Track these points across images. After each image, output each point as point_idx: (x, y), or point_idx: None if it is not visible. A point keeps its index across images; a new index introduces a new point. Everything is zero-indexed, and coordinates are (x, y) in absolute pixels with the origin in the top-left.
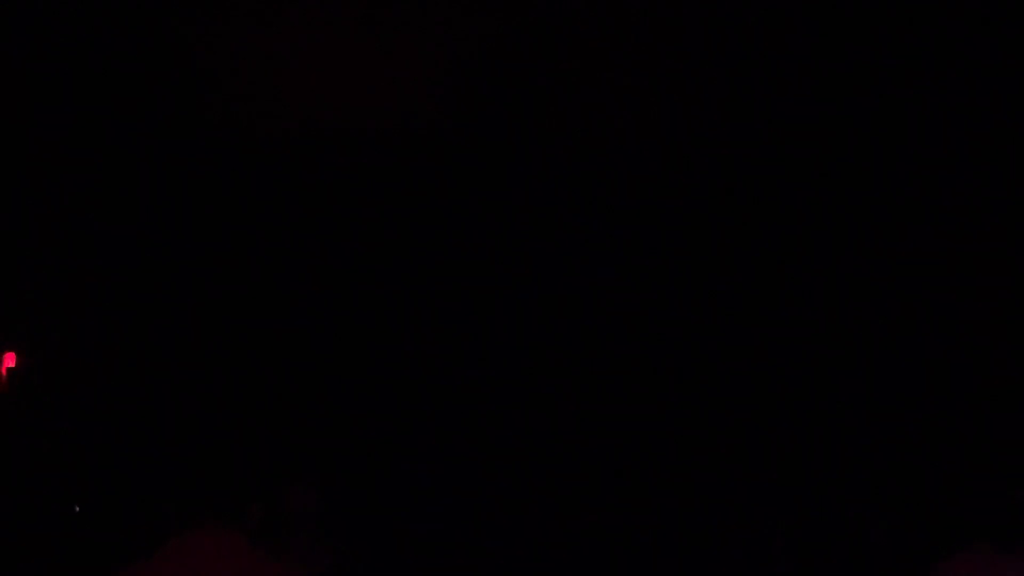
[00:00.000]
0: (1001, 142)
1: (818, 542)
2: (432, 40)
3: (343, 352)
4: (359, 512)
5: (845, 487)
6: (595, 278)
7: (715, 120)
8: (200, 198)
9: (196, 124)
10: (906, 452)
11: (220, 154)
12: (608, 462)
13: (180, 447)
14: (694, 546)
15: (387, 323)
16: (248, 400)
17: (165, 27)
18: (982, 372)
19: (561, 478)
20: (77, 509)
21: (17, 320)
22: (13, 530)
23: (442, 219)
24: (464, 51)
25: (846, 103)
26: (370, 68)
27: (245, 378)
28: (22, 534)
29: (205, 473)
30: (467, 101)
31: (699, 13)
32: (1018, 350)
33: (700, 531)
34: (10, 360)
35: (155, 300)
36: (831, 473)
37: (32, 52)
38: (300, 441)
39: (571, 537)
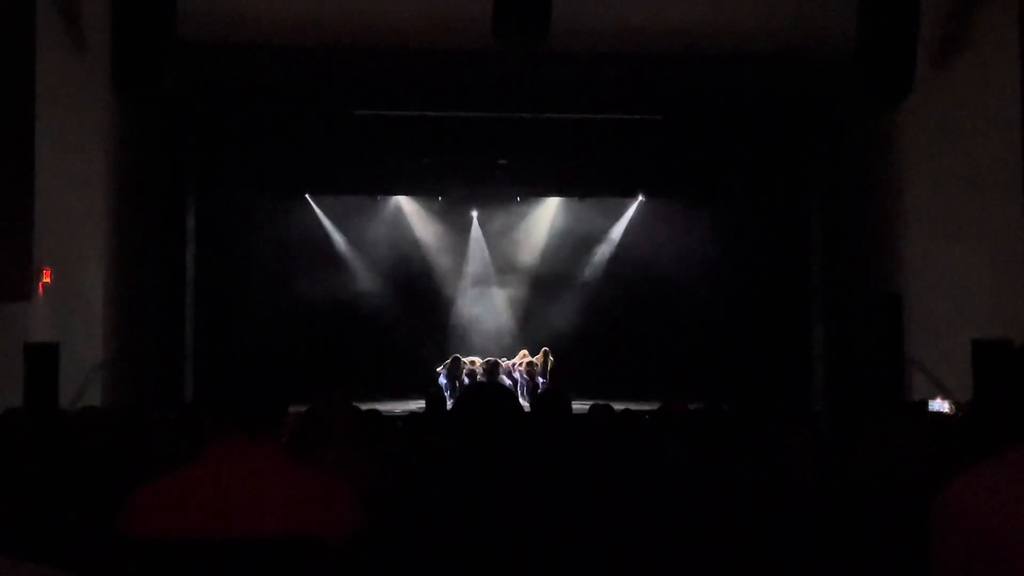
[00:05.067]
0: None
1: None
2: None
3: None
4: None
5: None
6: None
7: None
8: None
9: None
10: None
11: None
12: None
13: (216, 357)
14: None
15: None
16: (285, 311)
17: None
18: None
19: None
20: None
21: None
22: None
23: None
24: None
25: None
26: None
27: (281, 292)
28: (55, 447)
29: (240, 383)
30: None
31: None
32: None
33: None
34: (47, 275)
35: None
36: None
37: None
38: (334, 353)
39: None
